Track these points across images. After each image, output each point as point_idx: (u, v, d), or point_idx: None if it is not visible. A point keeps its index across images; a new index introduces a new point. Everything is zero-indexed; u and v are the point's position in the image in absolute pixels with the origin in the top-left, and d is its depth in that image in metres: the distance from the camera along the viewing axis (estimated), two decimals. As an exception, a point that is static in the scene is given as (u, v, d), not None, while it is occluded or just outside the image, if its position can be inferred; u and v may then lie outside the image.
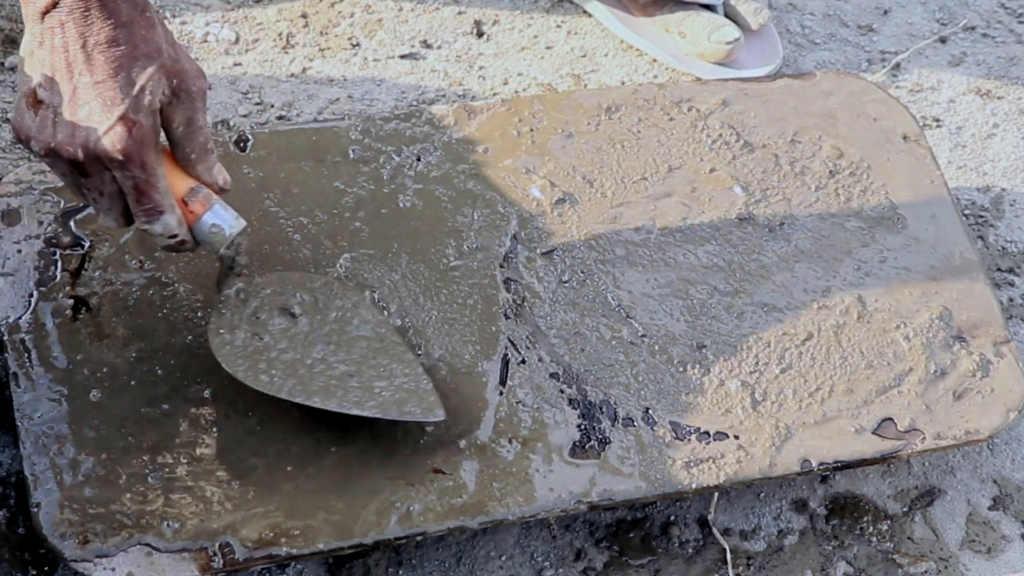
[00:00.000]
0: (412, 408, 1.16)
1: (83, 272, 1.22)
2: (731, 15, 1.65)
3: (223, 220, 1.11)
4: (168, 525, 1.12)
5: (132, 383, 1.18)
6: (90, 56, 1.02)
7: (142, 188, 1.06)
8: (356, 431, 1.18)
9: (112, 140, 1.02)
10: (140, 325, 1.21)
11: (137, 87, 1.03)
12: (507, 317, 1.27)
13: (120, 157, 1.03)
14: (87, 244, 1.23)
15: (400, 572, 1.24)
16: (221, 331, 1.17)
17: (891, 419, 1.26)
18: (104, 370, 1.18)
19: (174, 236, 1.09)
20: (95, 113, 1.02)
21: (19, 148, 1.44)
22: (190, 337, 1.21)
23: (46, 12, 1.03)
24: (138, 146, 1.03)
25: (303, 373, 1.17)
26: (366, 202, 1.31)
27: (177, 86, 1.05)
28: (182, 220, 1.10)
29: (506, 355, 1.24)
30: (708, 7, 1.64)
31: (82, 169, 1.05)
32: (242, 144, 1.31)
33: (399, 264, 1.28)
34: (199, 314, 1.22)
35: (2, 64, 1.52)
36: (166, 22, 1.59)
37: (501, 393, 1.22)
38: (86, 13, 1.02)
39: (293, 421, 1.18)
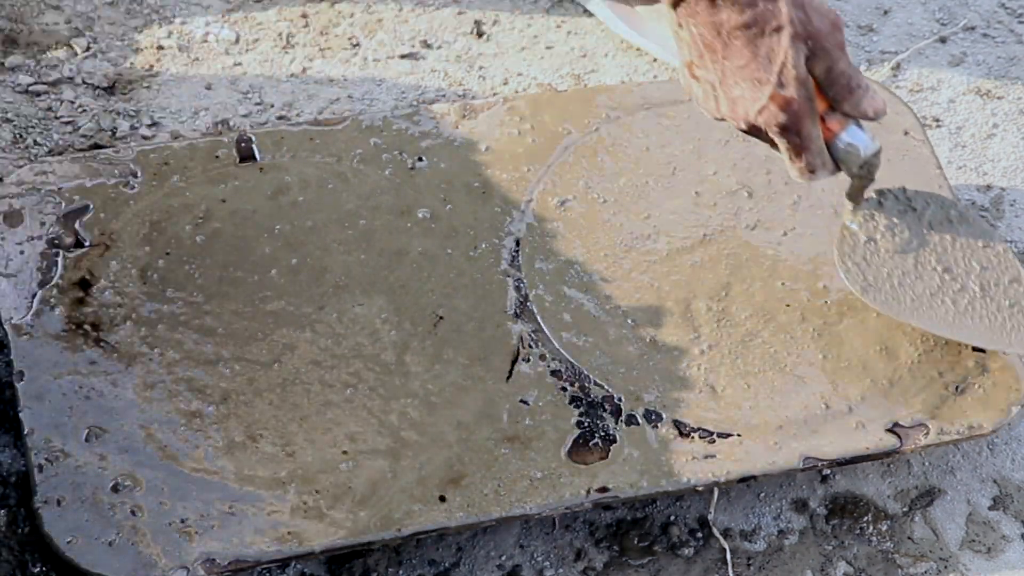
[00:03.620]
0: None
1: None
2: None
3: (859, 139, 1.17)
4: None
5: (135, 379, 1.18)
6: (727, 43, 1.10)
7: (797, 152, 1.14)
8: (364, 435, 1.19)
9: (767, 117, 1.12)
10: (150, 320, 1.21)
11: (778, 63, 1.10)
12: (511, 315, 1.27)
13: (776, 129, 1.12)
14: None
15: (400, 572, 1.24)
16: (851, 263, 1.24)
17: (894, 414, 1.26)
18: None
19: (826, 175, 1.19)
20: (747, 92, 1.11)
21: (20, 148, 1.44)
22: (205, 335, 1.21)
23: (675, 4, 1.10)
24: (791, 117, 1.12)
25: (931, 299, 1.23)
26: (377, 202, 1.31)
27: (813, 46, 1.11)
28: (833, 169, 1.18)
29: (514, 353, 1.24)
30: None
31: (750, 131, 1.15)
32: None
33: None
34: (209, 318, 1.22)
35: (2, 64, 1.52)
36: (173, 21, 1.59)
37: (504, 391, 1.22)
38: (712, 4, 1.08)
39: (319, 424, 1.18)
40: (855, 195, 1.25)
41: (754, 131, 1.15)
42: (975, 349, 1.25)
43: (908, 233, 1.25)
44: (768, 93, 1.11)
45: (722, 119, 1.16)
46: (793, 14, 1.10)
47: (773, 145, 1.17)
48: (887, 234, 1.26)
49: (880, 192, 1.27)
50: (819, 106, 1.15)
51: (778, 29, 1.10)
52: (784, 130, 1.13)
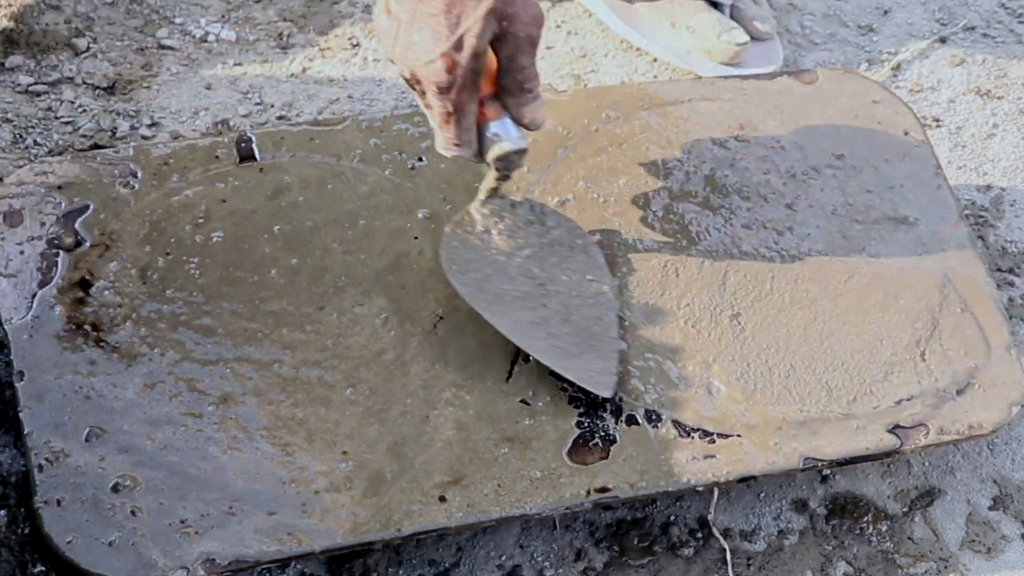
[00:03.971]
0: (580, 373, 1.21)
1: None
2: (737, 19, 1.65)
3: (506, 133, 1.17)
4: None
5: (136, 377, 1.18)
6: None
7: (447, 119, 1.14)
8: (366, 435, 1.19)
9: (431, 72, 1.10)
10: (150, 320, 1.21)
11: (463, 28, 1.09)
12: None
13: (435, 88, 1.11)
14: None
15: (400, 572, 1.24)
16: (456, 241, 1.24)
17: (895, 414, 1.26)
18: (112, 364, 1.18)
19: (469, 157, 1.19)
20: (425, 42, 1.10)
21: (20, 148, 1.44)
22: (205, 335, 1.21)
23: None
24: (453, 84, 1.11)
25: (512, 301, 1.23)
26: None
27: (506, 28, 1.10)
28: (476, 153, 1.18)
29: (514, 353, 1.24)
30: (715, 5, 1.64)
31: (410, 84, 1.14)
32: None
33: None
34: (209, 318, 1.22)
35: (2, 64, 1.52)
36: (173, 21, 1.59)
37: (504, 391, 1.23)
38: None
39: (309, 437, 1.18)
40: (490, 188, 1.25)
41: (414, 83, 1.13)
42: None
43: (524, 241, 1.26)
44: (442, 50, 1.09)
45: (391, 60, 1.13)
46: None
47: (427, 107, 1.15)
48: (504, 233, 1.26)
49: (518, 201, 1.28)
50: (485, 88, 1.14)
51: None
52: (442, 92, 1.11)
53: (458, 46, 1.09)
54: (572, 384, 1.22)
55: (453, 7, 1.08)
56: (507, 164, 1.20)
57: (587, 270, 1.27)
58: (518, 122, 1.17)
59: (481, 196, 1.26)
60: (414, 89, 1.14)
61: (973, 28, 1.74)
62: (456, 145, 1.16)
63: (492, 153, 1.18)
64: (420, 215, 1.31)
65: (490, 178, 1.23)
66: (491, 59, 1.13)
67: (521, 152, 1.18)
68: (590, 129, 1.39)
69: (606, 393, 1.21)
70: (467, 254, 1.24)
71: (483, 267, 1.24)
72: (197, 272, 1.24)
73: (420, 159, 1.34)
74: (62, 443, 1.14)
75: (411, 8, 1.09)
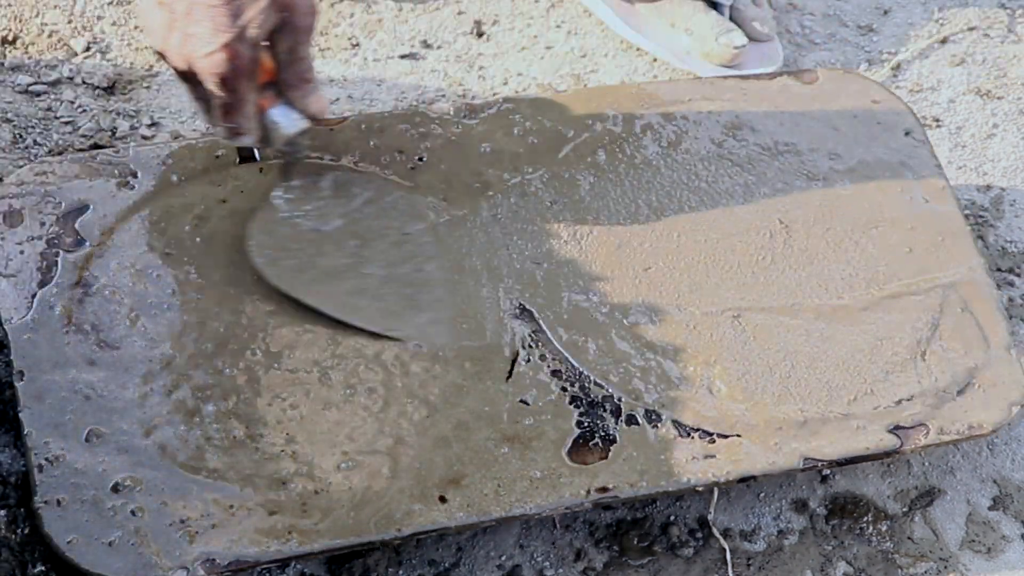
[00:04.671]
0: (410, 331, 1.22)
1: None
2: (737, 20, 1.65)
3: (283, 118, 1.18)
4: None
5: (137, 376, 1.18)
6: None
7: (228, 110, 1.14)
8: (366, 438, 1.19)
9: (212, 63, 1.09)
10: (150, 320, 1.21)
11: (245, 18, 1.08)
12: (511, 315, 1.27)
13: (215, 79, 1.10)
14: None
15: (400, 572, 1.24)
16: (263, 233, 1.24)
17: (894, 414, 1.26)
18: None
19: (250, 146, 1.21)
20: (203, 33, 1.09)
21: (20, 148, 1.44)
22: (205, 335, 1.21)
23: None
24: (234, 74, 1.10)
25: (329, 279, 1.23)
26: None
27: (286, 19, 1.10)
28: (257, 141, 1.18)
29: (514, 353, 1.24)
30: (714, 5, 1.64)
31: (185, 76, 1.13)
32: None
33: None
34: (209, 318, 1.22)
35: (2, 64, 1.52)
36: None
37: (504, 391, 1.22)
38: None
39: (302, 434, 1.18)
40: (283, 171, 1.26)
41: (189, 75, 1.12)
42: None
43: (331, 214, 1.26)
44: (223, 41, 1.08)
45: (162, 53, 1.12)
46: None
47: (201, 99, 1.15)
48: (311, 213, 1.26)
49: (319, 174, 1.28)
50: (262, 76, 1.15)
51: None
52: (222, 83, 1.11)
53: (240, 37, 1.09)
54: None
55: None
56: (294, 147, 1.21)
57: (402, 224, 1.27)
58: (304, 112, 1.18)
59: (280, 182, 1.26)
60: (187, 81, 1.13)
61: (973, 28, 1.74)
62: (239, 134, 1.17)
63: (278, 139, 1.19)
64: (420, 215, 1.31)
65: (282, 163, 1.25)
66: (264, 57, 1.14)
67: (304, 132, 1.20)
68: (590, 129, 1.39)
69: (441, 341, 1.21)
70: (276, 243, 1.24)
71: (296, 253, 1.24)
72: (197, 272, 1.24)
73: (420, 159, 1.34)
74: (62, 443, 1.14)
75: (188, 1, 1.09)
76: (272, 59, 1.15)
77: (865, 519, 1.33)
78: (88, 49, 1.55)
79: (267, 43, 1.12)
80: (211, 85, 1.11)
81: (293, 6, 1.11)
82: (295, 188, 1.27)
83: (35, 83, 1.51)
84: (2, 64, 1.52)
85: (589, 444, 1.21)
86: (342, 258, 1.25)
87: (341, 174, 1.29)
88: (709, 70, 1.63)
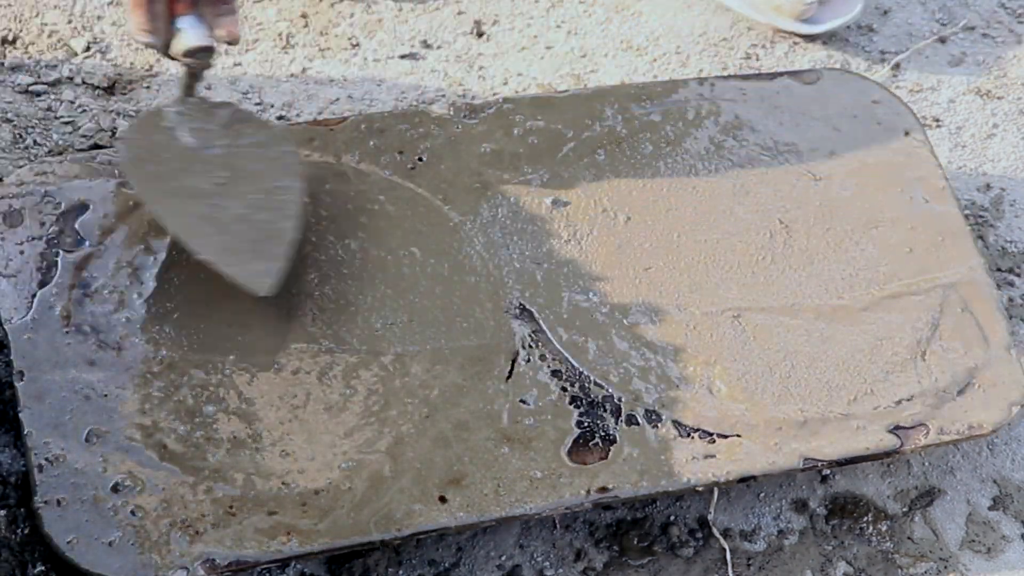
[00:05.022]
0: (241, 269, 1.20)
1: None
2: None
3: (191, 28, 1.18)
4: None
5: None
6: None
7: (139, 3, 1.15)
8: (365, 433, 1.19)
9: None
10: (150, 320, 1.21)
11: None
12: (511, 315, 1.27)
13: None
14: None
15: (400, 572, 1.24)
16: (140, 133, 1.23)
17: (894, 414, 1.26)
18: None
19: (154, 46, 1.19)
20: None
21: (20, 148, 1.44)
22: (205, 335, 1.21)
23: None
24: None
25: (187, 197, 1.21)
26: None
27: None
28: (163, 42, 1.18)
29: (514, 353, 1.24)
30: None
31: None
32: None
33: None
34: (209, 318, 1.22)
35: (2, 64, 1.52)
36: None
37: (504, 391, 1.23)
38: None
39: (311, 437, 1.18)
40: (184, 85, 1.25)
41: None
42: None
43: (215, 141, 1.25)
44: None
45: None
46: None
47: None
48: (195, 131, 1.25)
49: (219, 103, 1.27)
50: None
51: None
52: None
53: None
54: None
55: None
56: (194, 60, 1.21)
57: (278, 178, 1.26)
58: (214, 33, 1.18)
59: (179, 92, 1.26)
60: None
61: (973, 28, 1.74)
62: (146, 31, 1.16)
63: (178, 47, 1.19)
64: (420, 215, 1.31)
65: (184, 74, 1.24)
66: None
67: (207, 50, 1.19)
68: (590, 129, 1.39)
69: (261, 292, 1.20)
70: (150, 148, 1.23)
71: (166, 162, 1.23)
72: (197, 272, 1.24)
73: (420, 159, 1.34)
74: (62, 443, 1.14)
75: None
76: None
77: (865, 519, 1.33)
78: (88, 49, 1.55)
79: None
80: None
81: None
82: (191, 105, 1.25)
83: (35, 83, 1.51)
84: (2, 64, 1.52)
85: (589, 444, 1.21)
86: (205, 183, 1.23)
87: (242, 111, 1.28)
88: (784, 23, 1.65)
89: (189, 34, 1.18)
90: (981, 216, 1.56)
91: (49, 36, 1.55)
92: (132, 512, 1.12)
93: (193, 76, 1.23)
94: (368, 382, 1.21)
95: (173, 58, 1.20)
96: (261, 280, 1.20)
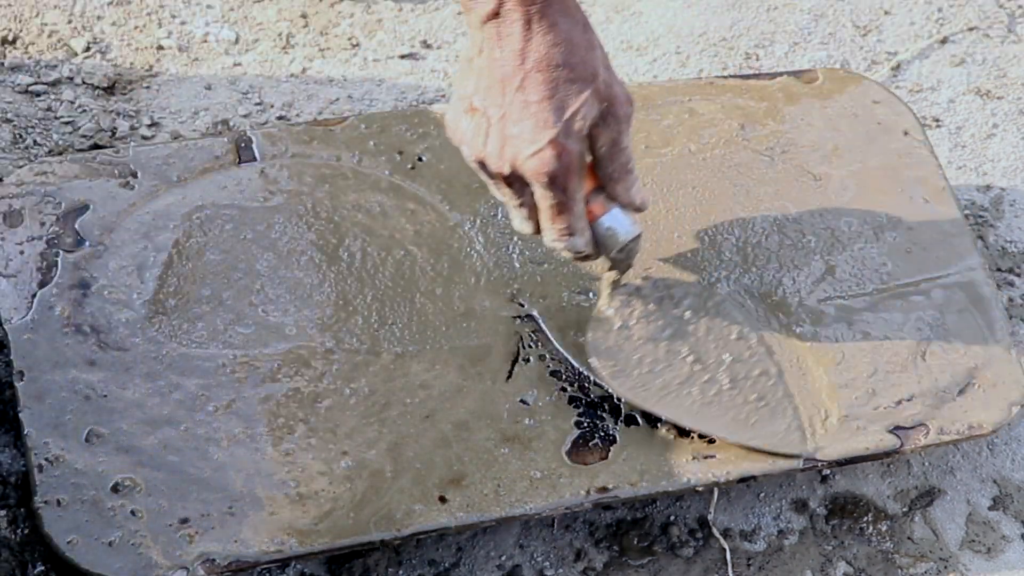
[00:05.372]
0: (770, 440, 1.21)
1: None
2: None
3: (619, 224, 1.15)
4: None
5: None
6: (527, 75, 1.03)
7: (559, 210, 1.09)
8: (362, 437, 1.19)
9: (540, 162, 1.05)
10: (150, 320, 1.21)
11: (570, 112, 1.04)
12: (511, 315, 1.27)
13: (545, 179, 1.06)
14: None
15: (400, 571, 1.24)
16: (602, 346, 1.23)
17: (894, 414, 1.26)
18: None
19: (579, 252, 1.14)
20: (526, 132, 1.04)
21: (20, 148, 1.44)
22: (205, 335, 1.21)
23: (487, 20, 1.02)
24: (564, 171, 1.06)
25: (678, 388, 1.22)
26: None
27: (606, 110, 1.06)
28: (590, 241, 1.14)
29: (514, 353, 1.24)
30: None
31: (507, 180, 1.08)
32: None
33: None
34: (209, 318, 1.22)
35: (2, 64, 1.52)
36: (173, 21, 1.59)
37: (504, 391, 1.23)
38: (527, 27, 1.02)
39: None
40: (613, 280, 1.24)
41: (512, 179, 1.08)
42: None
43: (662, 321, 1.24)
44: (549, 137, 1.04)
45: (482, 162, 1.08)
46: (601, 72, 1.05)
47: (526, 205, 1.11)
48: (641, 321, 1.24)
49: (638, 283, 1.26)
50: (586, 184, 1.12)
51: (584, 80, 1.04)
52: (551, 182, 1.06)
53: (567, 131, 1.04)
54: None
55: (556, 92, 1.03)
56: (628, 252, 1.19)
57: (731, 329, 1.26)
58: (629, 206, 1.14)
59: (606, 292, 1.24)
60: (509, 187, 1.09)
61: (973, 28, 1.74)
62: (569, 235, 1.12)
63: (613, 247, 1.16)
64: (420, 215, 1.31)
65: (610, 273, 1.23)
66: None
67: (638, 237, 1.17)
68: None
69: (798, 452, 1.21)
70: (620, 360, 1.23)
71: (637, 364, 1.23)
72: (197, 272, 1.24)
73: (420, 159, 1.34)
74: (62, 443, 1.14)
75: (506, 103, 1.04)
76: (593, 156, 1.10)
77: (865, 519, 1.33)
78: (88, 49, 1.55)
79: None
80: (539, 186, 1.07)
81: (613, 97, 1.06)
82: (622, 296, 1.25)
83: (35, 83, 1.51)
84: (2, 64, 1.52)
85: (589, 444, 1.21)
86: (683, 368, 1.23)
87: (658, 279, 1.27)
88: None
89: (619, 231, 1.15)
90: (981, 216, 1.56)
91: (49, 36, 1.55)
92: (132, 512, 1.12)
93: (624, 270, 1.22)
94: (368, 381, 1.21)
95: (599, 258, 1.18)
96: (792, 440, 1.22)
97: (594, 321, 1.25)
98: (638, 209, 1.15)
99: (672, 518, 1.30)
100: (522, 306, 1.27)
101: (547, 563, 1.27)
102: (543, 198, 1.09)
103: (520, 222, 1.13)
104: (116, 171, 1.29)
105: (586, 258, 1.17)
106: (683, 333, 1.25)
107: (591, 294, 1.29)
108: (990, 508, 1.35)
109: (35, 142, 1.46)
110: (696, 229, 1.34)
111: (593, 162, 1.11)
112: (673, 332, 1.24)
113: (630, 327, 1.24)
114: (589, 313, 1.27)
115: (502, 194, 1.12)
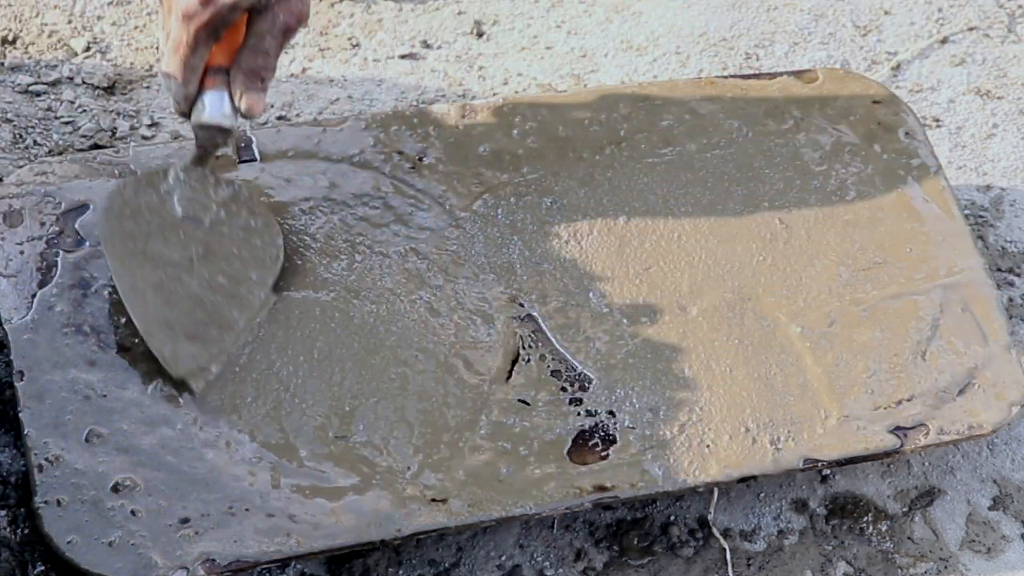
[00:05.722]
0: (166, 346, 1.17)
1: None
2: None
3: (213, 105, 1.15)
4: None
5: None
6: None
7: (177, 48, 1.12)
8: (359, 428, 1.19)
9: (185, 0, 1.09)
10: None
11: None
12: (511, 315, 1.27)
13: (180, 13, 1.09)
14: None
15: (400, 571, 1.24)
16: (130, 189, 1.21)
17: (894, 414, 1.26)
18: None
19: (176, 102, 1.16)
20: None
21: (20, 148, 1.44)
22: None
23: None
24: (200, 16, 1.09)
25: (147, 260, 1.19)
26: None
27: (274, 3, 1.10)
28: (187, 98, 1.15)
29: (514, 353, 1.24)
30: None
31: (163, 4, 1.12)
32: None
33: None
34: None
35: (2, 64, 1.52)
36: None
37: (505, 391, 1.23)
38: None
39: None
40: (194, 156, 1.22)
41: (166, 5, 1.12)
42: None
43: (204, 216, 1.21)
44: None
45: None
46: None
47: (165, 29, 1.14)
48: (187, 200, 1.22)
49: (227, 181, 1.24)
50: (217, 57, 1.14)
51: None
52: (185, 18, 1.10)
53: None
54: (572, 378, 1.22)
55: None
56: (209, 137, 1.18)
57: (252, 269, 1.22)
58: (236, 103, 1.16)
59: (186, 162, 1.23)
60: (162, 5, 1.13)
61: (973, 28, 1.74)
62: (174, 79, 1.14)
63: (195, 118, 1.17)
64: (420, 215, 1.31)
65: (196, 150, 1.21)
66: (234, 38, 1.13)
67: (225, 132, 1.17)
68: (590, 129, 1.39)
69: (174, 373, 1.17)
70: (135, 204, 1.21)
71: (144, 223, 1.20)
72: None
73: (420, 159, 1.34)
74: (62, 443, 1.14)
75: None
76: (238, 41, 1.13)
77: (865, 519, 1.33)
78: (88, 49, 1.55)
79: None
80: (174, 17, 1.10)
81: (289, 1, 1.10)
82: (195, 174, 1.22)
83: (35, 83, 1.51)
84: (2, 64, 1.52)
85: (589, 444, 1.21)
86: (174, 253, 1.20)
87: (244, 194, 1.25)
88: None
89: (208, 109, 1.16)
90: (981, 216, 1.56)
91: (49, 36, 1.55)
92: (132, 512, 1.12)
93: (203, 150, 1.20)
94: (368, 381, 1.21)
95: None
96: (181, 362, 1.17)
97: (155, 171, 1.23)
98: (243, 113, 1.16)
99: (672, 518, 1.30)
100: (522, 306, 1.27)
101: (547, 563, 1.27)
102: (172, 28, 1.12)
103: (161, 43, 1.16)
104: (116, 171, 1.29)
105: (182, 114, 1.17)
106: (209, 237, 1.21)
107: (591, 294, 1.29)
108: (990, 508, 1.35)
109: (35, 142, 1.46)
110: (696, 229, 1.34)
111: (240, 47, 1.14)
112: (204, 230, 1.21)
113: (174, 195, 1.21)
114: (589, 313, 1.28)
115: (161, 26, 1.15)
